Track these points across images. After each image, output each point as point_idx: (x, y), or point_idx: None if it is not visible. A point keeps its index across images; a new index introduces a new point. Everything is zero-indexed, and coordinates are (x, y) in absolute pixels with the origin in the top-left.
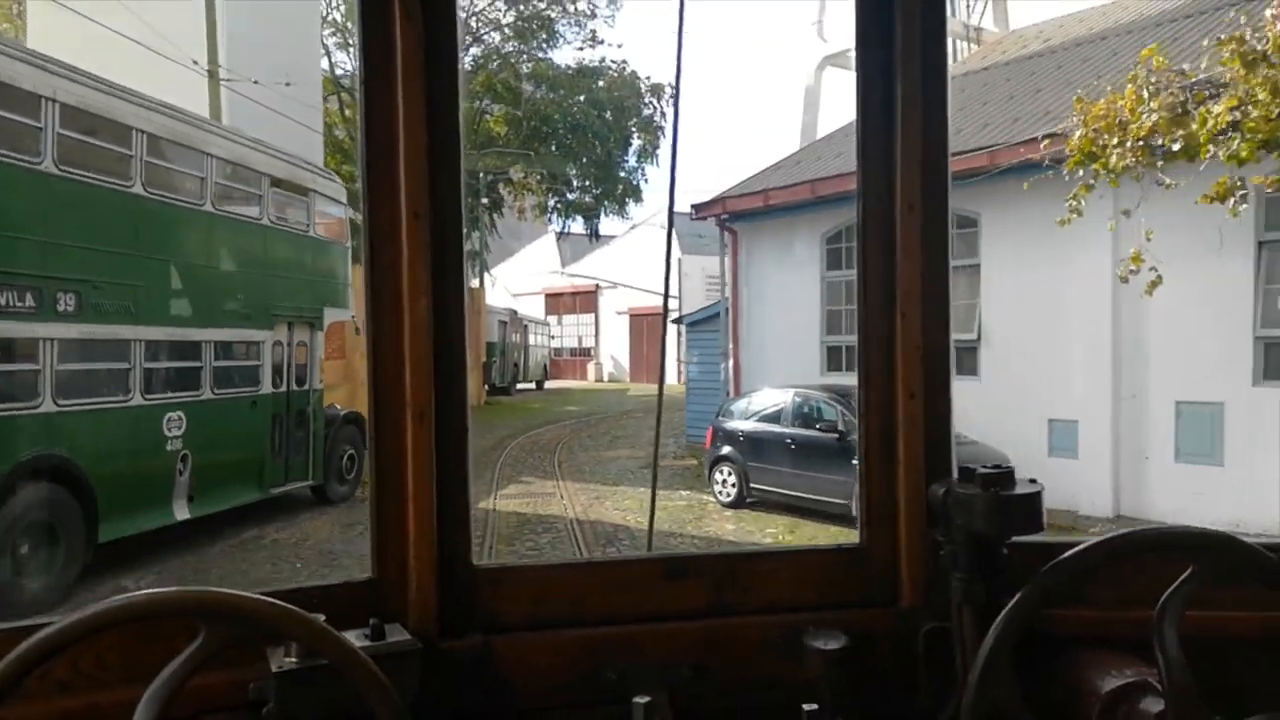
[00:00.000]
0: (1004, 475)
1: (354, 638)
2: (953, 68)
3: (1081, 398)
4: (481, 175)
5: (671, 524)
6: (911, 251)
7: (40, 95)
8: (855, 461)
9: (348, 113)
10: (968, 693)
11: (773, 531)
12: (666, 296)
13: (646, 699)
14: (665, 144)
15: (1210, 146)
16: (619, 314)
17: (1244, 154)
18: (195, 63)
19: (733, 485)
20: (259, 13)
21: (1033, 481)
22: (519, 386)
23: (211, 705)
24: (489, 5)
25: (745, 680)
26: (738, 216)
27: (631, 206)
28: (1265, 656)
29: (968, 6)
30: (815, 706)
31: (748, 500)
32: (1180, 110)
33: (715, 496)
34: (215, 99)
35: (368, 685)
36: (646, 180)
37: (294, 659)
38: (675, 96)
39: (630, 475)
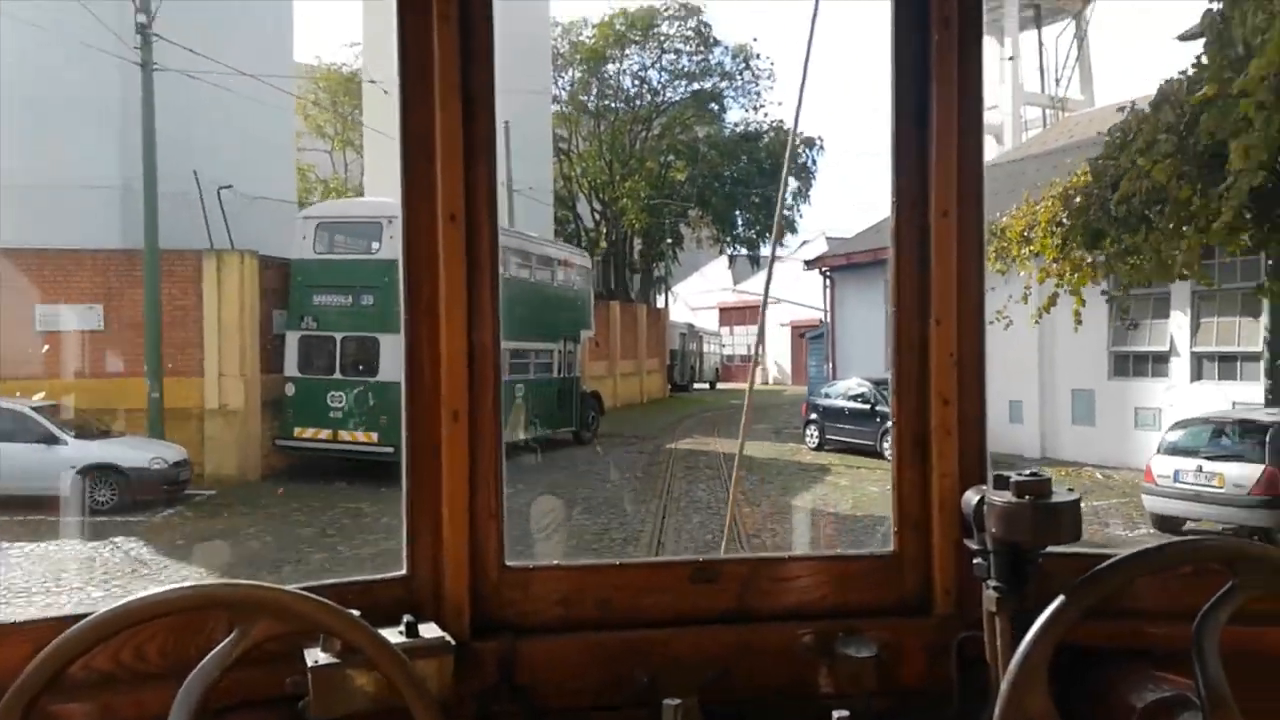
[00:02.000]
0: (1041, 483)
1: (389, 634)
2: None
3: (1022, 388)
4: (667, 215)
5: (779, 454)
6: (945, 258)
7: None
8: (887, 450)
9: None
10: (1000, 704)
11: (832, 460)
12: (762, 326)
13: (677, 701)
14: (816, 185)
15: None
16: (781, 326)
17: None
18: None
19: (815, 436)
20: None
21: (1070, 490)
22: (695, 386)
23: (249, 698)
24: (671, 82)
25: (774, 686)
26: (833, 269)
27: (788, 237)
28: None
29: (1056, 80)
30: (846, 713)
31: (824, 446)
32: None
33: (805, 443)
34: (509, 201)
35: (402, 682)
36: (801, 215)
37: (330, 654)
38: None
39: (761, 436)
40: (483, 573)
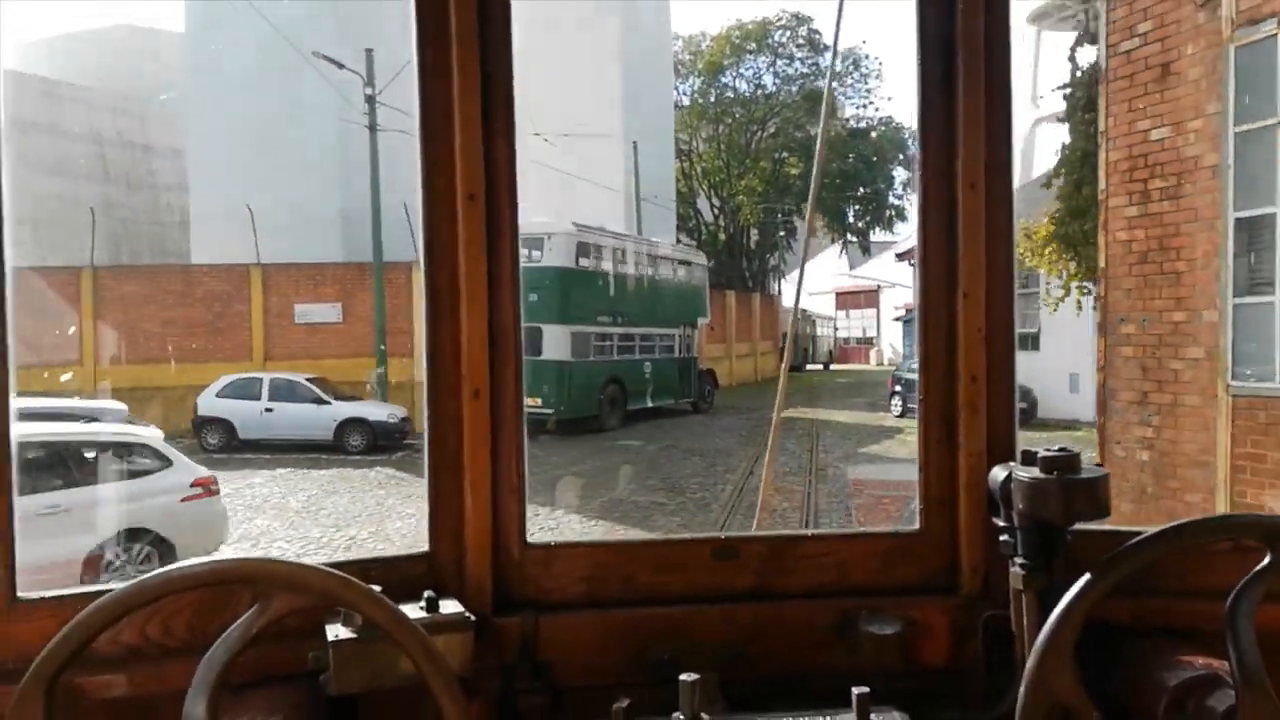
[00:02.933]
0: (1070, 459)
1: (409, 610)
2: None
3: (1079, 361)
4: (780, 209)
5: (865, 421)
6: (974, 231)
7: (623, 248)
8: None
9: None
10: (1026, 683)
11: (908, 424)
12: (796, 314)
13: (695, 677)
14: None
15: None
16: (895, 309)
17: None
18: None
19: (899, 405)
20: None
21: (1099, 465)
22: (808, 367)
23: (270, 673)
24: (784, 86)
25: (796, 663)
26: None
27: (898, 224)
28: None
29: None
30: (866, 690)
31: (906, 415)
32: None
33: (891, 411)
34: (637, 211)
35: (422, 657)
36: (910, 204)
37: (351, 629)
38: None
39: (856, 408)
40: (505, 550)
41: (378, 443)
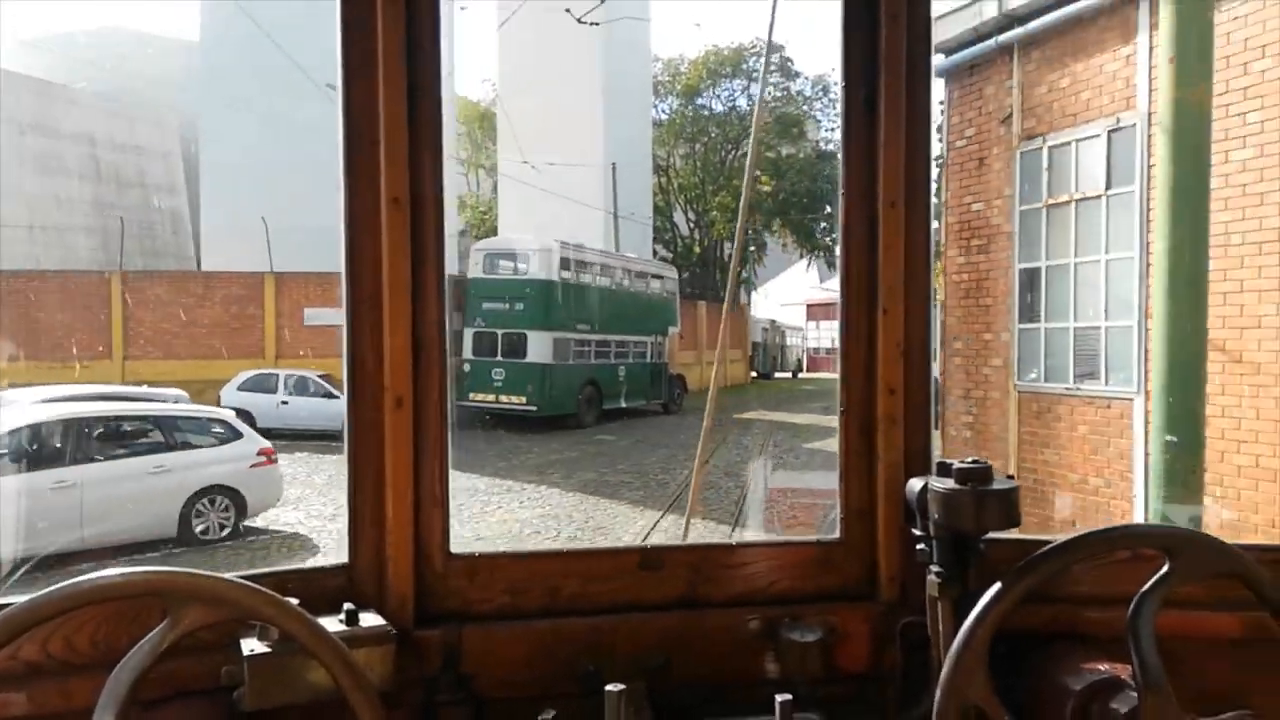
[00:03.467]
0: (981, 470)
1: (328, 623)
2: None
3: None
4: (753, 223)
5: (817, 422)
6: (893, 248)
7: (601, 263)
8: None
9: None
10: (941, 688)
11: None
12: (726, 318)
13: (620, 687)
14: None
15: None
16: None
17: None
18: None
19: None
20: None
21: (1010, 477)
22: (777, 374)
23: (182, 689)
24: (758, 111)
25: (721, 671)
26: None
27: None
28: (1240, 655)
29: None
30: (788, 697)
31: None
32: None
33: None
34: (615, 227)
35: (341, 671)
36: None
37: (267, 643)
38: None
39: (814, 411)
40: (427, 561)
41: None
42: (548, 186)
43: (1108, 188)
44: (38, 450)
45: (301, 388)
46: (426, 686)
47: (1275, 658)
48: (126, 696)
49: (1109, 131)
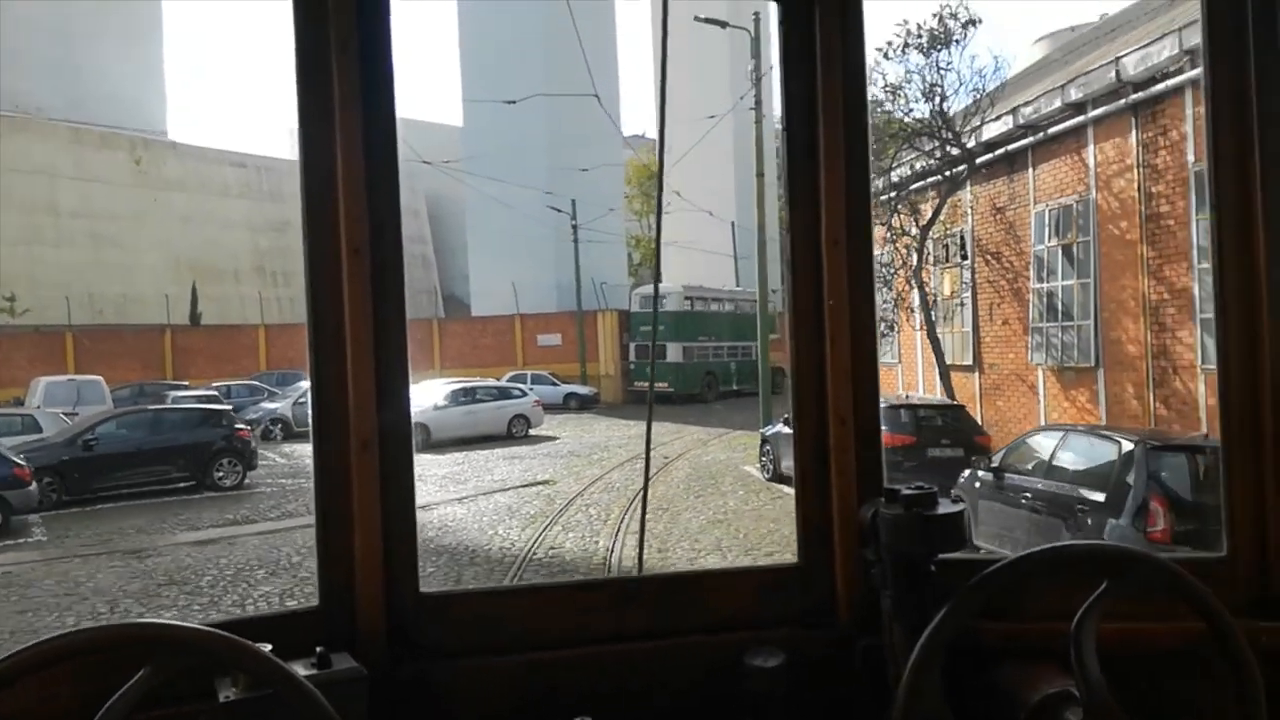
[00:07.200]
0: (926, 496)
1: (300, 667)
2: None
3: None
4: None
5: None
6: (837, 283)
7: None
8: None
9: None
10: (897, 707)
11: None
12: (655, 336)
13: None
14: None
15: None
16: None
17: None
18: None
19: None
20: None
21: (956, 501)
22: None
23: None
24: None
25: (693, 698)
26: None
27: None
28: (1182, 666)
29: None
30: None
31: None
32: None
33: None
34: (735, 267)
35: (314, 715)
36: None
37: (240, 690)
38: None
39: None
40: (398, 601)
41: (583, 406)
42: (694, 239)
43: None
44: (456, 396)
45: (539, 379)
46: None
47: (1216, 667)
48: None
49: None
